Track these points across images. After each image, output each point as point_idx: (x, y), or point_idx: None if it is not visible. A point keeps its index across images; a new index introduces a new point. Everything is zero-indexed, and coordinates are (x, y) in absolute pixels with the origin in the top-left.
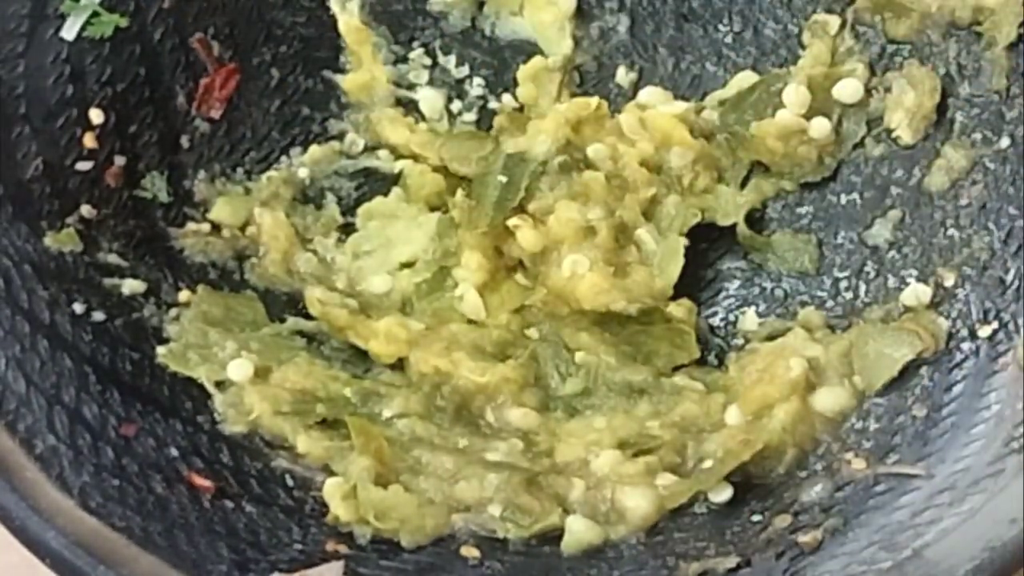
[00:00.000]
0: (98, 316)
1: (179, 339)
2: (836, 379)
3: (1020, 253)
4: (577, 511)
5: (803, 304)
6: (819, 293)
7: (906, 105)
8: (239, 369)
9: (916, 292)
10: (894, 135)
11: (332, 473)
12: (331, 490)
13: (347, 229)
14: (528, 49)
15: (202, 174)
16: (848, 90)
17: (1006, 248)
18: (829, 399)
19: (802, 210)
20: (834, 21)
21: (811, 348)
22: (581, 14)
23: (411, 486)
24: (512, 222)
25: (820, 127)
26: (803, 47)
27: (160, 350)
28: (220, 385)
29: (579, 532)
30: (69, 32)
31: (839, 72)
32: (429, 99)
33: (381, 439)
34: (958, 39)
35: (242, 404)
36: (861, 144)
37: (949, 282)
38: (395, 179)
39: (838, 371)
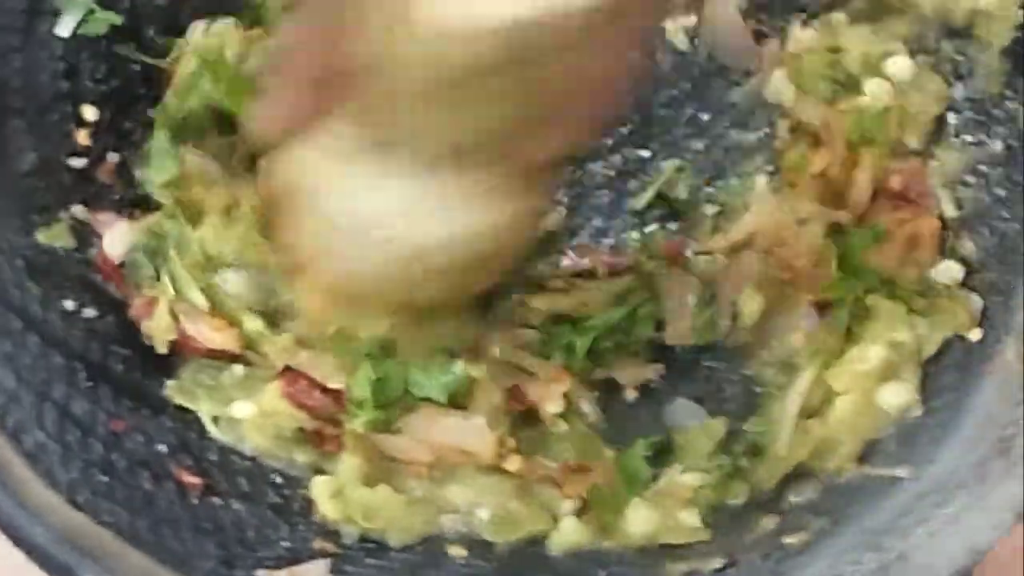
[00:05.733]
0: (89, 313)
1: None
2: None
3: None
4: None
5: None
6: None
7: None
8: (243, 409)
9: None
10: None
11: (321, 471)
12: (319, 488)
13: None
14: None
15: None
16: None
17: (998, 251)
18: None
19: None
20: None
21: None
22: None
23: (399, 487)
24: None
25: None
26: None
27: (170, 384)
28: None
29: (568, 532)
30: (64, 29)
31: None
32: None
33: (371, 440)
34: (953, 42)
35: (240, 436)
36: None
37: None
38: None
39: None
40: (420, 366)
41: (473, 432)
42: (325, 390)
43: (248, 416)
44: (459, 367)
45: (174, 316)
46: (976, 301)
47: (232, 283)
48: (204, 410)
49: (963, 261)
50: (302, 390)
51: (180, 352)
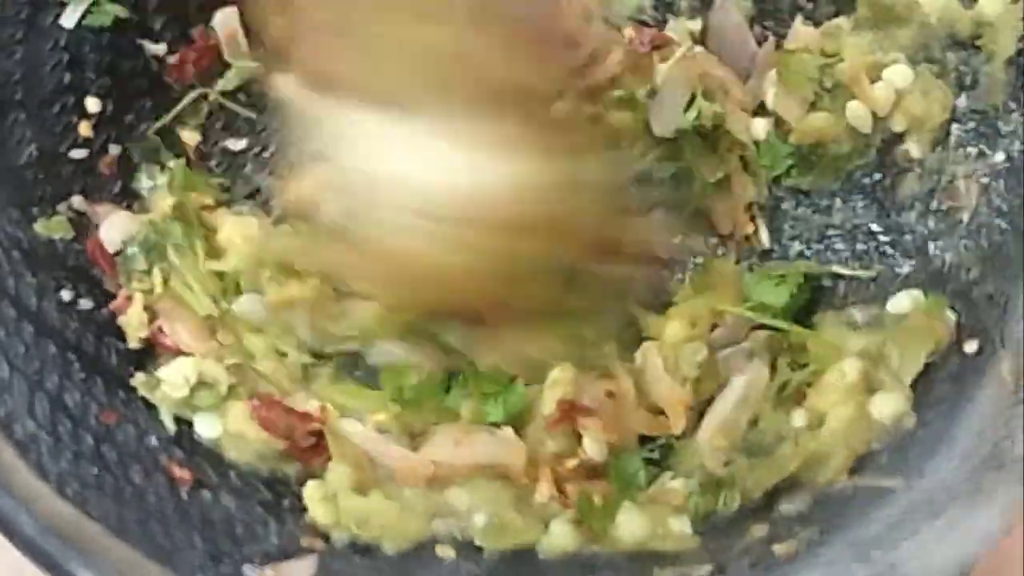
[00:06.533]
0: (85, 304)
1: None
2: None
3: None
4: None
5: None
6: None
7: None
8: (209, 428)
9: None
10: (903, 148)
11: (313, 475)
12: (311, 492)
13: None
14: None
15: None
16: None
17: (995, 263)
18: None
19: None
20: None
21: None
22: None
23: (392, 494)
24: None
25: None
26: None
27: (138, 376)
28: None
29: (559, 537)
30: (69, 20)
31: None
32: None
33: (358, 447)
34: (957, 52)
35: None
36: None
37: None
38: None
39: None
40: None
41: (505, 446)
42: (290, 411)
43: (214, 436)
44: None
45: (152, 314)
46: (949, 316)
47: (246, 306)
48: (164, 410)
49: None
50: (273, 413)
51: (154, 349)
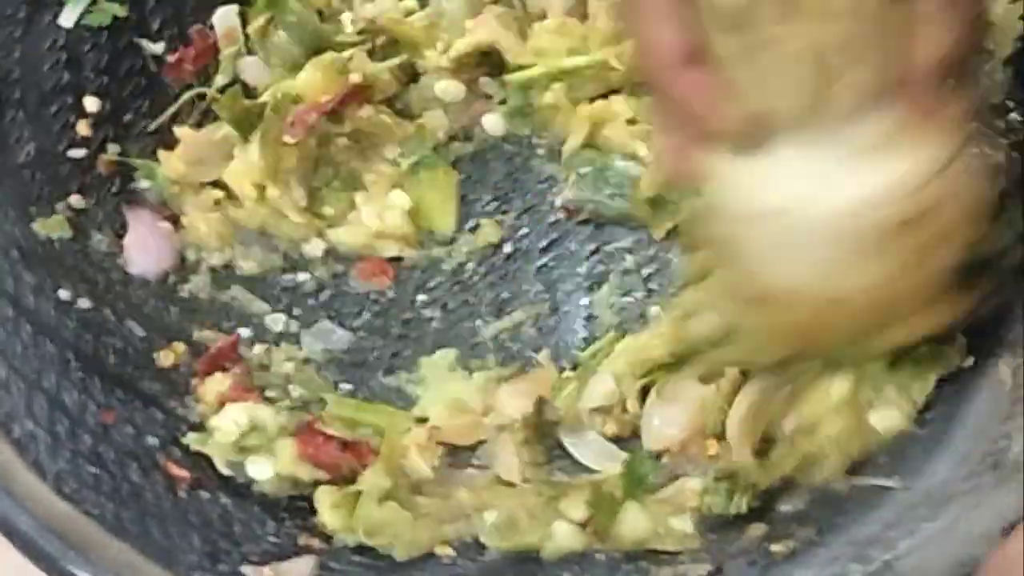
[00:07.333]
0: (84, 303)
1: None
2: None
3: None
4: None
5: None
6: None
7: None
8: (262, 470)
9: None
10: None
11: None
12: (322, 496)
13: None
14: None
15: None
16: None
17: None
18: None
19: None
20: None
21: None
22: None
23: (406, 502)
24: None
25: None
26: None
27: (190, 436)
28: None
29: (563, 538)
30: (67, 19)
31: None
32: None
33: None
34: None
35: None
36: None
37: None
38: None
39: None
40: None
41: None
42: (344, 444)
43: (267, 478)
44: None
45: None
46: (961, 339)
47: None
48: (217, 459)
49: None
50: (320, 448)
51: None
